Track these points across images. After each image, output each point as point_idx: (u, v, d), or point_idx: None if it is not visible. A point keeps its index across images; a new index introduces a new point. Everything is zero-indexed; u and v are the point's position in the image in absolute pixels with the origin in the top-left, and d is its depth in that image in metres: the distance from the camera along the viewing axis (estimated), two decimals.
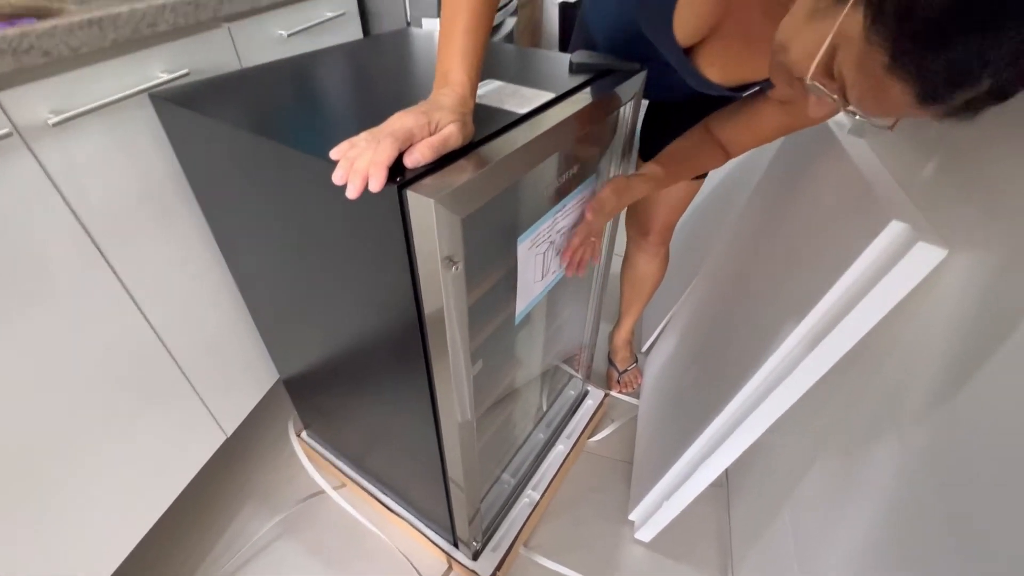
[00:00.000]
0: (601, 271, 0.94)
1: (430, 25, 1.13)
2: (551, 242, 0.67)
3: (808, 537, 0.71)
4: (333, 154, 0.45)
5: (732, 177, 1.31)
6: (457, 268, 0.47)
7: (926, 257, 0.49)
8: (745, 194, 1.12)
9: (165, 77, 0.68)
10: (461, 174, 0.45)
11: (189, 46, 0.72)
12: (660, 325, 1.39)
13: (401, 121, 0.45)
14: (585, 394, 1.22)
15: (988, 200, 0.48)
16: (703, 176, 0.94)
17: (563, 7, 1.88)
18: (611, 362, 1.34)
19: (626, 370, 1.31)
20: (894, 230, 0.50)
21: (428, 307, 0.51)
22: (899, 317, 0.54)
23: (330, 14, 1.00)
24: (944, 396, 0.49)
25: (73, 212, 0.61)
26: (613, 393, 1.29)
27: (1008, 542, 0.39)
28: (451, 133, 0.46)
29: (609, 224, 0.85)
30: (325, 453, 1.09)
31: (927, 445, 0.50)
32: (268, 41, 0.86)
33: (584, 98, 0.61)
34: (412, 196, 0.43)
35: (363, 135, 0.45)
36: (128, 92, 0.63)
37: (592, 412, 1.18)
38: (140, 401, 0.77)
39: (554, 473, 1.06)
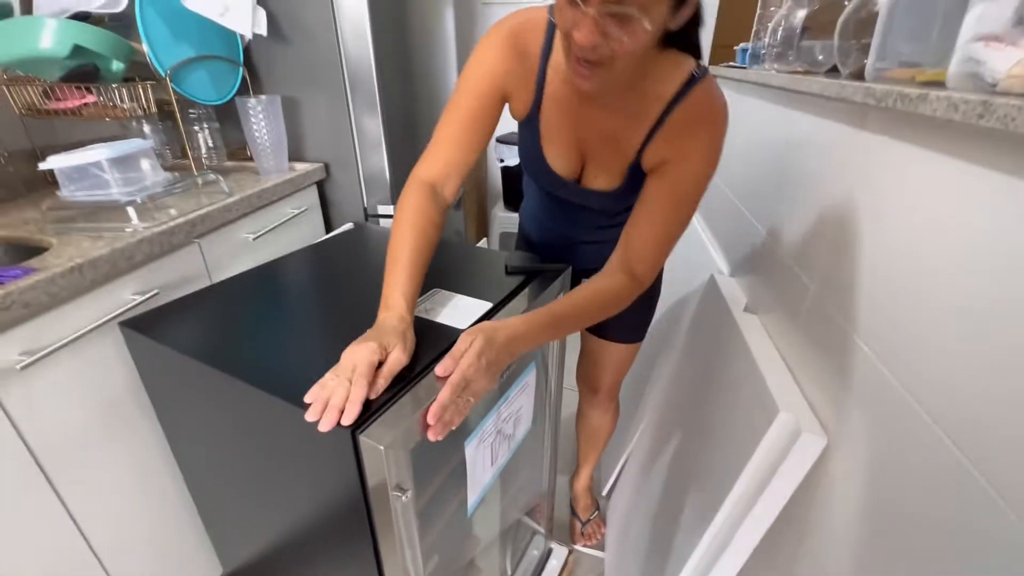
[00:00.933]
0: (551, 418, 0.99)
1: (385, 211, 1.27)
2: (498, 431, 0.73)
3: None
4: (307, 398, 0.50)
5: (660, 323, 1.45)
6: (407, 496, 0.51)
7: (809, 448, 0.57)
8: (672, 344, 1.24)
9: (136, 300, 0.74)
10: (409, 411, 0.52)
11: (161, 267, 0.79)
12: (618, 466, 1.42)
13: (360, 356, 0.52)
14: (549, 552, 1.20)
15: (848, 383, 0.59)
16: (638, 341, 1.03)
17: (504, 169, 2.15)
18: (573, 511, 1.34)
19: (589, 520, 1.31)
20: (782, 422, 0.60)
21: (380, 525, 0.54)
22: (804, 494, 0.61)
23: (293, 211, 1.12)
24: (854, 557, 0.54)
25: (26, 446, 0.63)
26: (577, 547, 1.27)
27: None
28: (397, 359, 0.54)
29: (551, 364, 0.91)
30: None
31: None
32: (235, 247, 0.96)
33: (519, 304, 0.71)
34: (364, 441, 0.48)
35: (328, 375, 0.52)
36: (98, 322, 0.68)
37: (558, 572, 1.15)
38: None
39: None
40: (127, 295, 0.74)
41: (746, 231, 1.00)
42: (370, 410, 0.51)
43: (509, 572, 1.13)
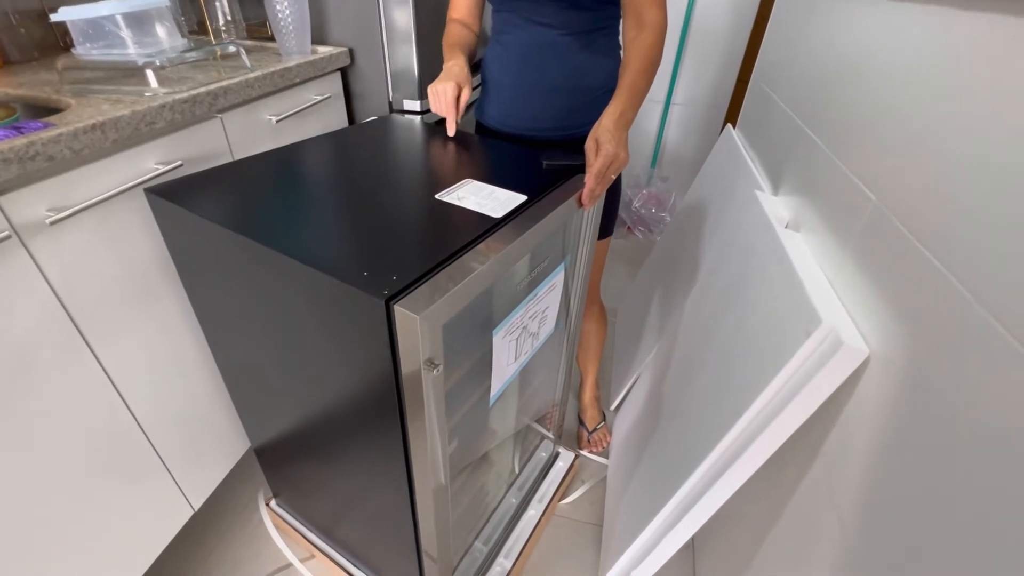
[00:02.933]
0: (571, 332, 0.99)
1: (411, 106, 1.20)
2: (523, 327, 0.72)
3: None
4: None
5: (686, 244, 1.41)
6: (438, 370, 0.51)
7: (850, 359, 0.56)
8: (698, 265, 1.21)
9: (160, 169, 0.71)
10: (443, 285, 0.50)
11: (184, 138, 0.76)
12: (628, 384, 1.44)
13: (447, 89, 0.81)
14: (556, 456, 1.25)
15: (895, 308, 0.56)
16: (607, 236, 1.03)
17: None
18: (580, 421, 1.38)
19: (595, 429, 1.35)
20: (824, 332, 0.58)
21: (409, 401, 0.55)
22: (831, 406, 0.61)
23: (316, 97, 1.07)
24: (871, 487, 0.55)
25: (62, 304, 0.63)
26: (583, 453, 1.33)
27: None
28: (468, 93, 0.83)
29: (577, 270, 0.89)
30: (294, 523, 1.08)
31: (863, 527, 0.55)
32: (258, 127, 0.91)
33: (557, 198, 0.68)
34: (399, 311, 0.47)
35: (433, 95, 0.83)
36: (124, 187, 0.67)
37: (563, 474, 1.21)
38: (114, 482, 0.76)
39: (526, 539, 1.07)
40: (150, 163, 0.72)
41: (796, 143, 0.94)
42: (406, 282, 0.50)
43: (516, 471, 1.19)
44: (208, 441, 0.94)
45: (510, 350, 0.71)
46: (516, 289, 0.69)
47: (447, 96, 0.81)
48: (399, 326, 0.48)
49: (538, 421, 1.27)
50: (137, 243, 0.72)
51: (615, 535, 1.06)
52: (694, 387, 0.92)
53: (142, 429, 0.79)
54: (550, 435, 1.24)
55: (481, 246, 0.57)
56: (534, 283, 0.72)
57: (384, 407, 0.58)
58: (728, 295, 0.91)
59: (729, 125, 1.46)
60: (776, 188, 1.01)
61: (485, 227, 0.61)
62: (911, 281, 0.54)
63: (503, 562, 1.03)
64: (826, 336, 0.58)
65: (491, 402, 0.73)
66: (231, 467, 1.01)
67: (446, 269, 0.53)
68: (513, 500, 1.13)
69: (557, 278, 0.77)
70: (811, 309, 0.61)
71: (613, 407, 1.47)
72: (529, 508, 1.13)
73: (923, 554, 0.46)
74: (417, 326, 0.47)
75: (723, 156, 1.38)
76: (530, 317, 0.73)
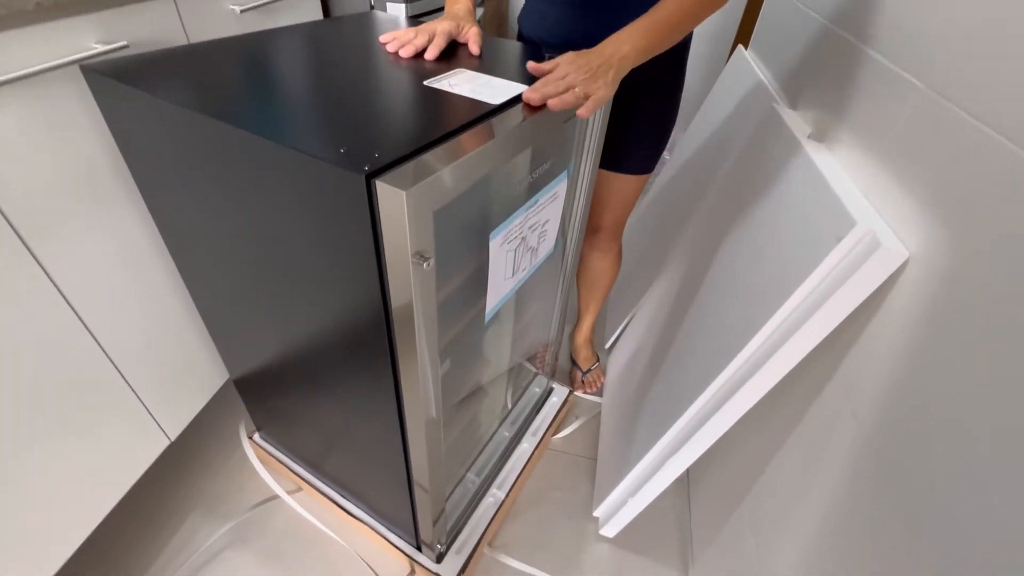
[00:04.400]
0: (568, 264, 0.93)
1: (395, 11, 1.08)
2: (522, 239, 0.66)
3: (766, 529, 0.73)
4: (384, 38, 0.67)
5: (690, 176, 1.34)
6: (428, 264, 0.45)
7: (888, 261, 0.50)
8: (704, 195, 1.15)
9: (100, 48, 0.61)
10: (433, 165, 0.43)
11: (128, 15, 0.65)
12: (623, 323, 1.40)
13: (441, 25, 0.69)
14: (550, 391, 1.22)
15: (939, 208, 0.51)
16: (647, 172, 0.95)
17: None
18: (573, 362, 1.35)
19: (589, 370, 1.32)
20: (859, 234, 0.52)
21: (396, 304, 0.48)
22: (859, 315, 0.56)
23: None
24: (899, 392, 0.51)
25: None
26: (577, 393, 1.30)
27: (958, 534, 0.41)
28: (477, 31, 0.71)
29: (580, 184, 0.82)
30: (279, 456, 1.04)
31: (883, 439, 0.52)
32: (219, 16, 0.80)
33: None
34: (382, 187, 0.40)
35: (410, 29, 0.67)
36: (56, 62, 0.57)
37: (557, 409, 1.18)
38: (74, 404, 0.70)
39: (519, 471, 1.05)
40: (89, 42, 0.61)
41: (822, 48, 0.85)
42: (391, 159, 0.42)
43: (509, 405, 1.15)
44: (183, 369, 0.88)
45: (508, 262, 0.65)
46: (515, 192, 0.62)
47: (441, 29, 0.68)
48: (382, 207, 0.41)
49: (529, 361, 1.23)
50: (79, 136, 0.63)
51: (610, 466, 1.05)
52: (702, 312, 0.87)
53: (104, 351, 0.73)
54: (543, 372, 1.21)
55: (475, 130, 0.50)
56: (535, 187, 0.64)
57: (369, 312, 0.51)
58: (744, 213, 0.85)
59: (740, 46, 1.36)
60: (795, 103, 0.93)
61: (480, 112, 0.53)
62: (968, 171, 0.47)
63: (496, 492, 1.01)
64: (861, 238, 0.52)
65: (487, 318, 0.67)
66: (209, 397, 0.95)
67: (436, 150, 0.46)
68: (506, 434, 1.10)
69: (560, 187, 0.70)
70: (843, 212, 0.55)
71: (607, 345, 1.44)
72: (522, 441, 1.10)
73: (932, 473, 0.42)
74: (403, 205, 0.40)
75: (734, 78, 1.29)
76: (530, 228, 0.66)
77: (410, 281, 0.45)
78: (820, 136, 0.78)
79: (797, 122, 0.83)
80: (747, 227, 0.81)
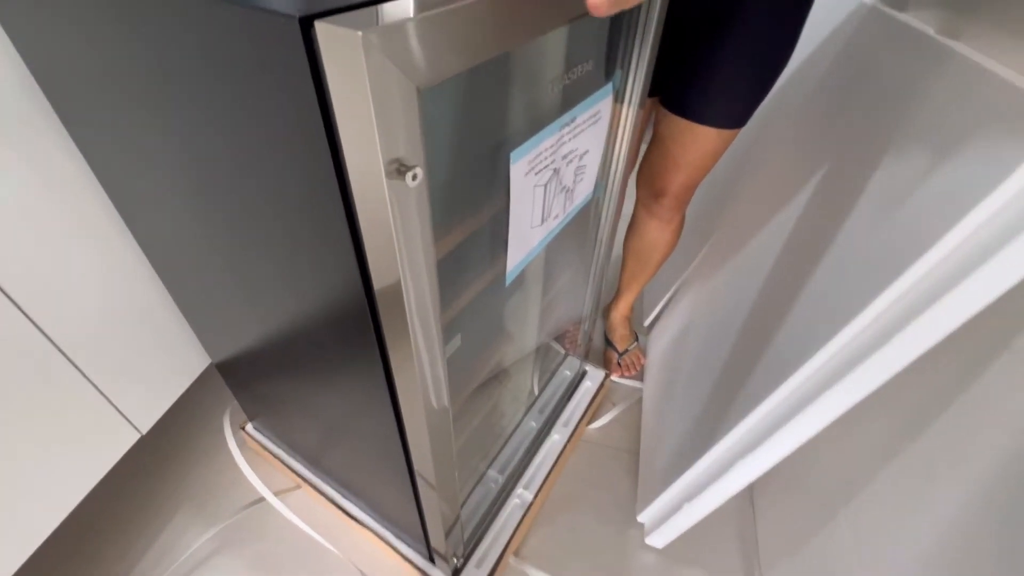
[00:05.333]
0: (607, 218, 0.76)
1: None
2: (555, 171, 0.49)
3: (870, 542, 0.56)
4: None
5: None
6: (414, 178, 0.28)
7: None
8: (773, 133, 0.95)
9: None
10: (413, 7, 0.26)
11: None
12: (665, 297, 1.22)
13: None
14: (583, 374, 1.06)
15: None
16: (739, 126, 0.74)
17: None
18: (608, 342, 1.18)
19: (626, 350, 1.15)
20: None
21: (371, 245, 0.33)
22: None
23: None
24: None
25: None
26: (614, 377, 1.13)
27: None
28: None
29: (619, 156, 0.65)
30: (275, 449, 0.91)
31: None
32: None
33: None
34: (325, 32, 0.24)
35: None
36: None
37: (592, 395, 1.02)
38: (9, 398, 0.57)
39: (549, 468, 0.90)
40: None
41: None
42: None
43: (536, 391, 1.00)
44: (152, 352, 0.75)
45: (535, 202, 0.48)
46: (544, 98, 0.45)
47: None
48: (331, 71, 0.25)
49: (557, 341, 1.07)
50: None
51: (656, 464, 0.88)
52: (783, 279, 0.69)
53: (42, 331, 0.59)
54: (574, 354, 1.04)
55: None
56: (571, 97, 0.47)
57: (337, 260, 0.36)
58: (848, 150, 0.65)
59: None
60: (902, 4, 0.72)
61: None
62: None
63: (522, 493, 0.85)
64: None
65: (507, 280, 0.51)
66: (188, 384, 0.82)
67: None
68: (533, 424, 0.94)
69: (602, 104, 0.52)
70: (1010, 139, 0.37)
71: (646, 323, 1.26)
72: (552, 433, 0.94)
73: None
74: (362, 63, 0.23)
75: None
76: (564, 157, 0.49)
77: (387, 208, 0.29)
78: (954, 29, 0.58)
79: (911, 22, 0.63)
80: (855, 168, 0.62)
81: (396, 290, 0.34)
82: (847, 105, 0.70)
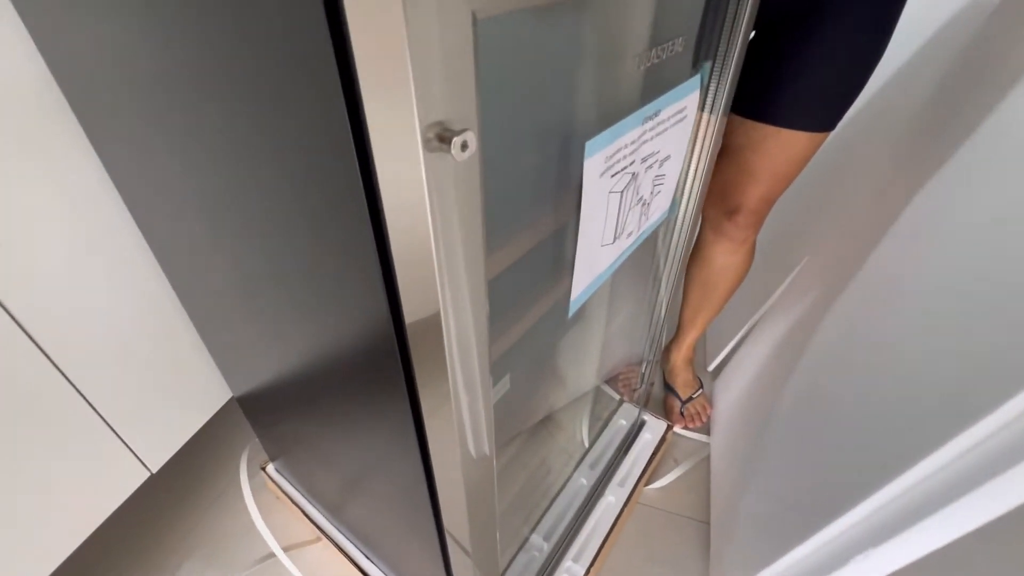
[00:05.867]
0: (680, 242, 0.65)
1: None
2: (633, 175, 0.39)
3: None
4: None
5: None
6: (464, 146, 0.19)
7: None
8: (867, 149, 0.83)
9: None
10: None
11: None
12: (734, 338, 1.09)
13: None
14: (641, 425, 0.92)
15: None
16: (829, 128, 0.65)
17: None
18: (669, 387, 1.04)
19: (690, 398, 1.01)
20: None
21: (401, 251, 0.24)
22: None
23: None
24: None
25: None
26: (676, 429, 0.99)
27: None
28: None
29: (701, 168, 0.56)
30: (295, 495, 0.82)
31: None
32: None
33: None
34: None
35: None
36: None
37: (652, 450, 0.89)
38: (15, 427, 0.51)
39: (603, 537, 0.76)
40: None
41: None
42: None
43: (586, 443, 0.88)
44: (167, 382, 0.69)
45: (610, 211, 0.38)
46: (625, 78, 0.35)
47: None
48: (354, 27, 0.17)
49: (610, 384, 0.95)
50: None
51: (735, 541, 0.73)
52: (924, 321, 0.55)
53: (49, 358, 0.54)
54: (631, 400, 0.92)
55: None
56: (655, 82, 0.38)
57: (362, 274, 0.27)
58: (970, 168, 0.53)
59: None
60: None
61: None
62: None
63: (572, 567, 0.72)
64: None
65: (571, 310, 0.41)
66: (206, 419, 0.75)
67: None
68: (584, 481, 0.82)
69: (689, 99, 0.43)
70: None
71: (711, 368, 1.12)
72: (607, 493, 0.81)
73: None
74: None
75: None
76: (644, 161, 0.40)
77: (423, 193, 0.20)
78: None
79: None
80: (983, 190, 0.49)
81: (432, 311, 0.25)
82: (975, 116, 0.58)
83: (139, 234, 0.57)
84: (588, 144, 0.31)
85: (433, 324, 0.25)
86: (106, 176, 0.53)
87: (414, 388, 0.32)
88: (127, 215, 0.56)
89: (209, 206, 0.39)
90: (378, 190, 0.22)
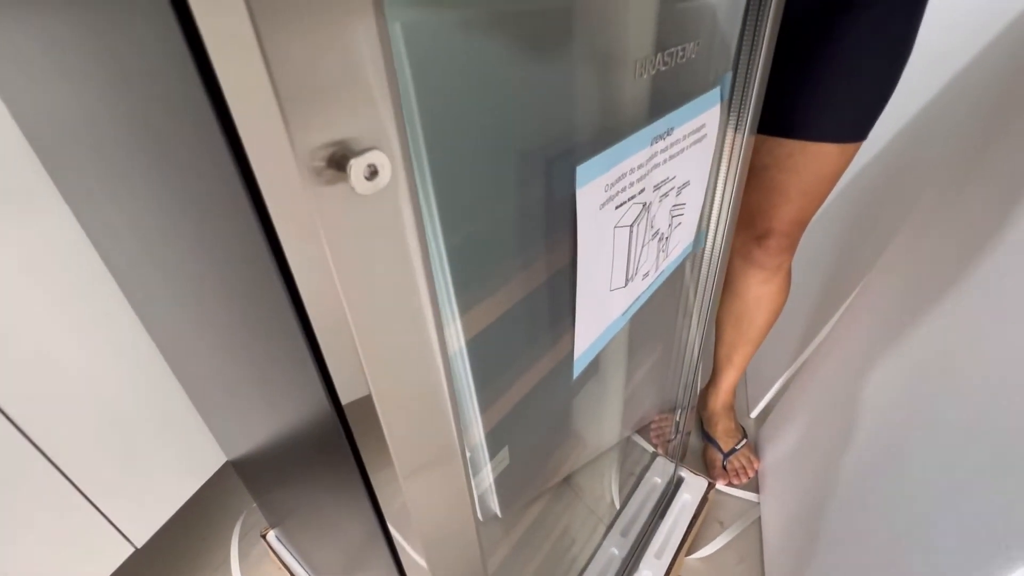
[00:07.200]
0: (713, 274, 0.57)
1: None
2: (644, 205, 0.32)
3: None
4: None
5: (902, 138, 0.92)
6: (372, 172, 0.13)
7: None
8: (923, 163, 0.74)
9: None
10: None
11: None
12: (778, 380, 0.98)
13: None
14: (679, 483, 0.82)
15: None
16: (860, 139, 0.59)
17: None
18: (708, 437, 0.94)
19: (733, 450, 0.90)
20: None
21: (308, 294, 0.17)
22: None
23: None
24: None
25: None
26: (720, 486, 0.88)
27: None
28: None
29: (724, 227, 0.49)
30: (295, 567, 0.75)
31: None
32: None
33: None
34: None
35: None
36: None
37: (692, 512, 0.78)
38: None
39: None
40: None
41: None
42: None
43: (617, 504, 0.78)
44: (155, 446, 0.64)
45: (618, 251, 0.32)
46: (628, 84, 0.29)
47: None
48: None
49: (641, 434, 0.86)
50: None
51: None
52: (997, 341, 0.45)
53: (17, 427, 0.50)
54: (664, 453, 0.82)
55: None
56: (665, 95, 0.32)
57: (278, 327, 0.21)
58: None
59: None
60: None
61: None
62: None
63: None
64: None
65: (576, 369, 0.33)
66: (198, 487, 0.70)
67: None
68: (615, 551, 0.72)
69: (709, 115, 0.37)
70: None
71: (753, 414, 1.01)
72: (641, 567, 0.71)
73: None
74: None
75: None
76: (657, 188, 0.33)
77: (319, 240, 0.14)
78: None
79: None
80: None
81: (363, 391, 0.18)
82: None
83: (120, 292, 0.54)
84: (580, 169, 0.25)
85: (369, 403, 0.19)
86: (83, 234, 0.50)
87: (359, 457, 0.26)
88: (111, 280, 0.53)
89: (162, 268, 0.35)
90: (278, 239, 0.16)
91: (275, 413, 0.37)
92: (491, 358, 0.29)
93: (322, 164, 0.13)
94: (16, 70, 0.30)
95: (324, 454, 0.30)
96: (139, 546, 0.63)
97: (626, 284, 0.35)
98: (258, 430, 0.48)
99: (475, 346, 0.27)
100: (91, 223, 0.46)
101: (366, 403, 0.21)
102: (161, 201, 0.24)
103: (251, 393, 0.39)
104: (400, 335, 0.18)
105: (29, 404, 0.50)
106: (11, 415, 0.49)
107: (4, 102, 0.41)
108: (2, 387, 0.48)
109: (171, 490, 0.67)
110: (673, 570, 0.72)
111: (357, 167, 0.13)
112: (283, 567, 0.75)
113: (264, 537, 0.79)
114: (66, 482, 0.55)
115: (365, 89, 0.13)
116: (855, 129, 0.58)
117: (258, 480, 0.65)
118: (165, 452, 0.64)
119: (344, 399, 0.20)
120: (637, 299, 0.38)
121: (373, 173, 0.13)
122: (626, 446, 0.82)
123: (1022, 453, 0.37)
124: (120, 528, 0.61)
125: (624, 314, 0.36)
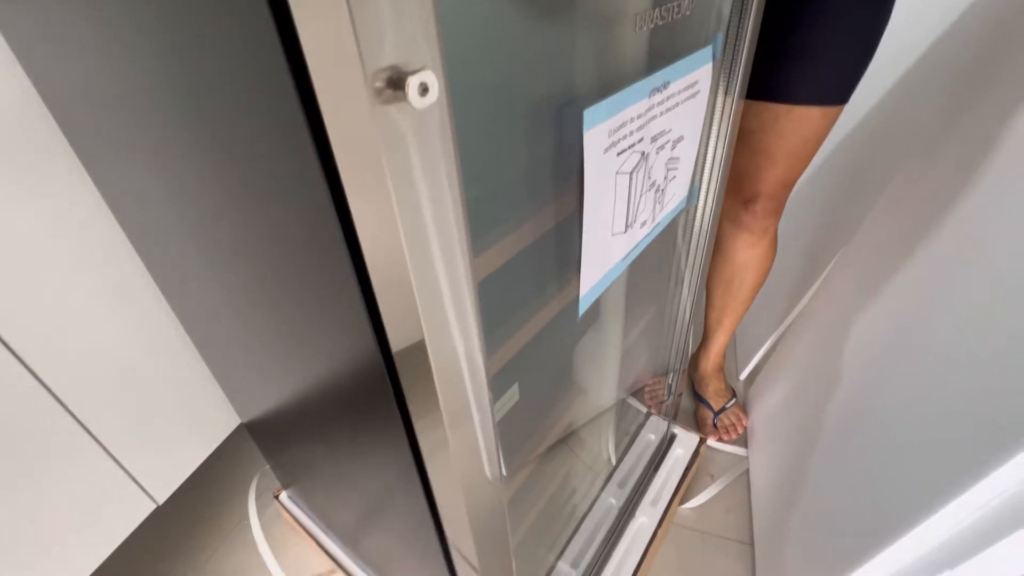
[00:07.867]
0: (703, 235, 0.60)
1: None
2: (643, 155, 0.35)
3: None
4: None
5: (887, 103, 0.95)
6: (424, 89, 0.16)
7: None
8: (901, 130, 0.77)
9: None
10: None
11: None
12: (766, 342, 1.02)
13: None
14: (671, 439, 0.86)
15: None
16: (842, 102, 0.61)
17: None
18: (699, 398, 0.98)
19: (723, 408, 0.94)
20: None
21: (363, 226, 0.20)
22: None
23: None
24: None
25: None
26: (710, 443, 0.92)
27: None
28: None
29: (714, 187, 0.52)
30: (309, 524, 0.78)
31: None
32: None
33: None
34: None
35: None
36: None
37: (684, 466, 0.82)
38: (13, 460, 0.50)
39: (636, 562, 0.70)
40: None
41: None
42: None
43: (614, 459, 0.82)
44: (170, 410, 0.66)
45: (619, 196, 0.34)
46: (625, 40, 0.32)
47: None
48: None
49: (635, 396, 0.90)
50: None
51: (784, 563, 0.66)
52: (970, 306, 0.49)
53: (46, 386, 0.52)
54: (657, 412, 0.86)
55: None
56: (662, 49, 0.34)
57: (327, 259, 0.24)
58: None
59: None
60: None
61: None
62: None
63: None
64: None
65: (581, 308, 0.37)
66: (215, 446, 0.73)
67: None
68: (612, 501, 0.76)
69: (701, 73, 0.39)
70: None
71: (743, 376, 1.05)
72: (638, 514, 0.75)
73: None
74: None
75: None
76: (654, 140, 0.36)
77: (379, 154, 0.17)
78: None
79: None
80: None
81: (408, 307, 0.21)
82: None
83: (137, 257, 0.56)
84: (587, 113, 0.27)
85: (409, 315, 0.22)
86: (100, 199, 0.51)
87: (403, 401, 0.28)
88: (124, 238, 0.55)
89: (192, 229, 0.37)
90: (336, 169, 0.19)
91: (304, 369, 0.39)
92: (504, 293, 0.32)
93: (382, 85, 0.16)
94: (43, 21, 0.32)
95: (363, 405, 0.32)
96: (160, 503, 0.66)
97: (626, 230, 0.38)
98: (280, 389, 0.50)
99: (490, 282, 0.30)
100: (111, 189, 0.48)
101: (416, 349, 0.23)
102: (201, 145, 0.26)
103: (278, 351, 0.42)
104: (444, 274, 0.20)
105: (56, 365, 0.52)
106: (40, 375, 0.51)
107: (23, 67, 0.43)
108: (31, 348, 0.50)
109: (189, 450, 0.70)
110: (667, 518, 0.76)
111: (413, 84, 0.16)
112: (297, 524, 0.79)
113: (277, 498, 0.82)
114: (92, 440, 0.57)
115: (417, 19, 0.16)
116: (838, 92, 0.60)
117: (274, 441, 0.68)
118: (182, 413, 0.67)
119: (395, 347, 0.23)
120: (636, 246, 0.40)
121: (425, 90, 0.16)
122: (621, 408, 0.85)
123: (986, 387, 0.41)
124: (143, 484, 0.64)
125: (624, 259, 0.39)
